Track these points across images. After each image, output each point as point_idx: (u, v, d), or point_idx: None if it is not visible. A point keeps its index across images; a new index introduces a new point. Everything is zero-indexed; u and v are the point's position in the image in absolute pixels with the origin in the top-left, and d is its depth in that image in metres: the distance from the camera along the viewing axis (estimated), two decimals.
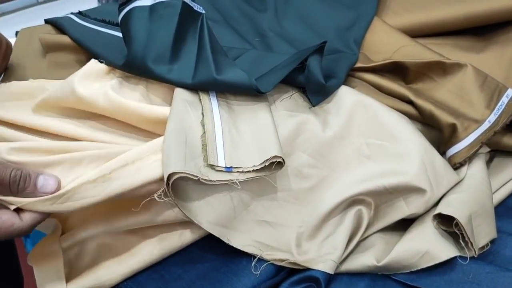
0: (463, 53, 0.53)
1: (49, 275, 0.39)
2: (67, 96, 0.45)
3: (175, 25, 0.44)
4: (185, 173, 0.35)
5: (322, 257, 0.40)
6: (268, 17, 0.59)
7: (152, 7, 0.45)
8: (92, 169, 0.38)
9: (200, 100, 0.43)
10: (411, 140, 0.42)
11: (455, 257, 0.38)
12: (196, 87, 0.44)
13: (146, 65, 0.44)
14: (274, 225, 0.42)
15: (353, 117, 0.45)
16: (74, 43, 0.55)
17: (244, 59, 0.50)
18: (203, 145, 0.39)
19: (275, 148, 0.38)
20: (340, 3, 0.59)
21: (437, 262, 0.38)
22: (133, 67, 0.45)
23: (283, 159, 0.38)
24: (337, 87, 0.47)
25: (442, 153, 0.44)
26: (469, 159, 0.43)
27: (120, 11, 0.46)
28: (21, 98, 0.49)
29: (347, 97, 0.46)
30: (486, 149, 0.45)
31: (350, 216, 0.41)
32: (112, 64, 0.48)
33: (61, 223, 0.43)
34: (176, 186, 0.36)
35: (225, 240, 0.39)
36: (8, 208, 0.35)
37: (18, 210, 0.35)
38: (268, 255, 0.40)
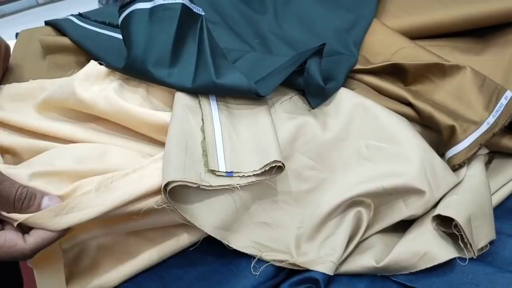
0: (462, 55, 0.54)
1: (49, 276, 0.39)
2: (67, 98, 0.45)
3: (175, 28, 0.44)
4: (184, 181, 0.35)
5: (322, 258, 0.40)
6: (267, 19, 0.59)
7: (151, 10, 0.45)
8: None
9: (200, 105, 0.43)
10: (411, 142, 0.43)
11: (454, 258, 0.38)
12: (196, 91, 0.44)
13: (146, 69, 0.44)
14: (274, 226, 0.42)
15: (352, 119, 0.45)
16: (74, 44, 0.55)
17: (244, 62, 0.50)
18: (203, 150, 0.39)
19: (275, 152, 0.39)
20: (339, 5, 0.59)
21: (436, 263, 0.38)
22: (133, 70, 0.46)
23: (283, 164, 0.38)
24: (336, 89, 0.47)
25: (441, 155, 0.44)
26: (468, 161, 0.43)
27: (120, 13, 0.46)
28: (22, 99, 0.49)
29: (346, 99, 0.46)
30: (485, 151, 0.45)
31: (349, 217, 0.41)
32: (112, 67, 0.48)
33: None
34: (177, 190, 0.36)
35: (225, 242, 0.39)
36: (15, 229, 0.35)
37: (23, 233, 0.35)
38: (267, 255, 0.40)
